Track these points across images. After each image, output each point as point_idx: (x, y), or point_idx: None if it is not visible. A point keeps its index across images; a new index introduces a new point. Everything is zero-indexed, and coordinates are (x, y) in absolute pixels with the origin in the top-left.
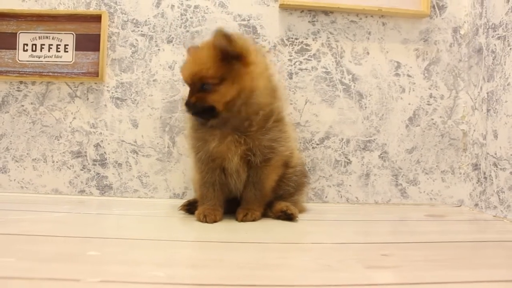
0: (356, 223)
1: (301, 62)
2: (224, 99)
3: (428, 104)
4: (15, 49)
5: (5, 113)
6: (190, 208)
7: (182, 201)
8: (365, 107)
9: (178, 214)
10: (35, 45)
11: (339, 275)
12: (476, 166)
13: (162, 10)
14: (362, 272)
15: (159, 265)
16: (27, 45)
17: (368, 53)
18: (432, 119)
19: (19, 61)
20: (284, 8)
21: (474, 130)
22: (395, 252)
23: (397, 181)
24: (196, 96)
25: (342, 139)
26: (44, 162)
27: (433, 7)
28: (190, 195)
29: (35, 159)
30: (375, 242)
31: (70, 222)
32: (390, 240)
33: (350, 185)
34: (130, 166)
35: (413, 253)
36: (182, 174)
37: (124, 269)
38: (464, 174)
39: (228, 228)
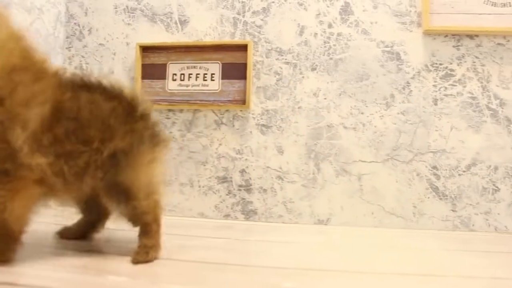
0: None
1: (446, 88)
2: None
3: None
4: (165, 79)
5: None
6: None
7: (327, 228)
8: None
9: (348, 240)
10: (183, 74)
11: None
12: None
13: (305, 38)
14: None
15: None
16: (176, 74)
17: None
18: None
19: (169, 90)
20: (428, 33)
21: None
22: None
23: None
24: None
25: (490, 166)
26: (191, 186)
27: None
28: (335, 221)
29: (183, 183)
30: None
31: (237, 249)
32: None
33: (498, 214)
34: (275, 191)
35: None
36: (327, 201)
37: None
38: None
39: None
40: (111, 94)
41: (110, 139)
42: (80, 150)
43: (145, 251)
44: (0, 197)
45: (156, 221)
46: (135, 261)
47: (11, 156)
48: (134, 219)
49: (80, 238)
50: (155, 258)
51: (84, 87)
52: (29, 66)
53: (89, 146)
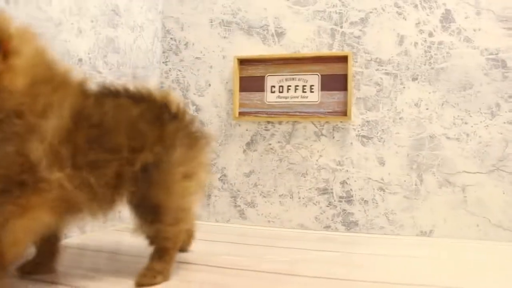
0: None
1: None
2: None
3: None
4: (263, 91)
5: (254, 151)
6: None
7: (430, 240)
8: None
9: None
10: (282, 86)
11: None
12: None
13: (405, 48)
14: None
15: None
16: (274, 87)
17: None
18: None
19: (267, 102)
20: None
21: None
22: None
23: None
24: None
25: None
26: (290, 198)
27: None
28: (438, 233)
29: (282, 195)
30: None
31: (342, 262)
32: None
33: None
34: (377, 203)
35: None
36: (430, 212)
37: None
38: None
39: None
40: (139, 98)
41: (140, 148)
42: (107, 158)
43: (153, 274)
44: (6, 211)
45: (175, 248)
46: (139, 284)
47: (30, 169)
48: (154, 241)
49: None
50: (159, 283)
51: (110, 93)
52: (51, 78)
53: (117, 154)
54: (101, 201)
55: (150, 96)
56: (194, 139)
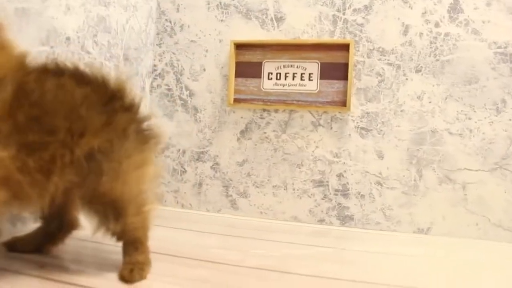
0: None
1: None
2: None
3: None
4: (260, 77)
5: (248, 139)
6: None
7: (427, 237)
8: None
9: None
10: (280, 73)
11: None
12: None
13: (410, 38)
14: None
15: None
16: (271, 73)
17: None
18: None
19: (264, 89)
20: None
21: None
22: None
23: None
24: None
25: None
26: (284, 189)
27: None
28: (436, 231)
29: (276, 186)
30: None
31: (333, 259)
32: None
33: None
34: (374, 197)
35: None
36: (429, 209)
37: None
38: None
39: None
40: (85, 80)
41: (81, 133)
42: (44, 140)
43: (140, 267)
44: None
45: (146, 235)
46: (132, 280)
47: None
48: (123, 235)
49: (33, 251)
50: (147, 274)
51: (54, 71)
52: None
53: (54, 136)
54: (39, 188)
55: (98, 80)
56: (144, 135)
